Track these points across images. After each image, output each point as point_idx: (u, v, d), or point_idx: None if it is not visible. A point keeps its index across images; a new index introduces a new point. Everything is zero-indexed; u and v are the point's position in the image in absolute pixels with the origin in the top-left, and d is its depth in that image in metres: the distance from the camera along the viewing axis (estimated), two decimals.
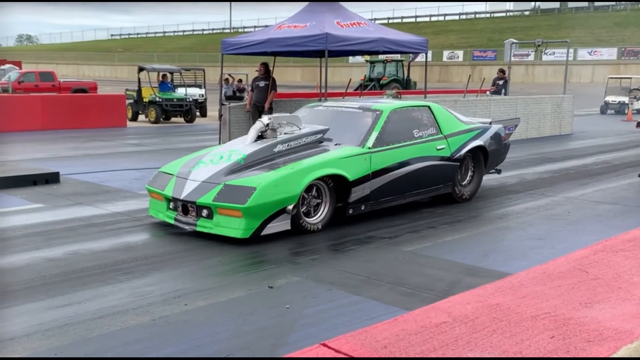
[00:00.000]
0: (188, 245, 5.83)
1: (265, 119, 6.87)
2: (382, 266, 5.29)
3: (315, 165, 6.26)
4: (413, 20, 78.02)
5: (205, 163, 6.48)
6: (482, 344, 2.03)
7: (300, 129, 6.89)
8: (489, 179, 9.06)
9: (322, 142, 6.88)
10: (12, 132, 15.42)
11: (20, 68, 34.23)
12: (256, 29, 62.42)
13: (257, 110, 12.13)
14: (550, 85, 40.34)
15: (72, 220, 6.76)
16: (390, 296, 4.55)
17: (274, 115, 7.26)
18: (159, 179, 6.66)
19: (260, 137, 6.79)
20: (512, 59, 39.86)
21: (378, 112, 7.15)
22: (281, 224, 5.98)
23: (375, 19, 60.98)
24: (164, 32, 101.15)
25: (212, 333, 3.84)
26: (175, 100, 20.02)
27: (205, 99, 22.82)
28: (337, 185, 6.40)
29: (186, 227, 6.15)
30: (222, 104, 13.64)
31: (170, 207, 6.37)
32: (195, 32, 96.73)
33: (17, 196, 7.91)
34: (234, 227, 5.79)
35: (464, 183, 7.96)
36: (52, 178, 8.88)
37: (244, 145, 6.69)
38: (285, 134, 6.79)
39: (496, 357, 1.96)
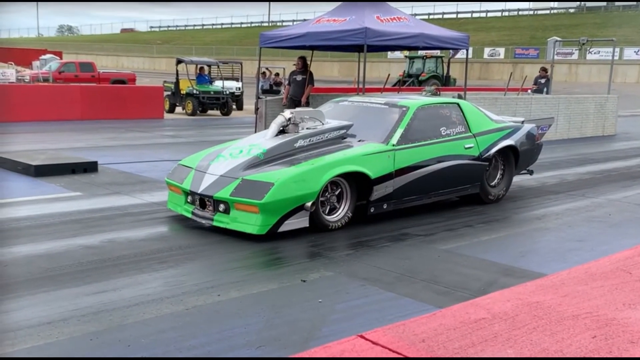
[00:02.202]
0: (222, 236, 5.84)
1: (287, 113, 6.68)
2: (417, 264, 5.23)
3: (336, 162, 6.10)
4: (454, 16, 77.17)
5: (224, 157, 6.37)
6: (521, 341, 1.97)
7: (323, 124, 6.72)
8: (528, 178, 8.90)
9: (345, 138, 6.71)
10: (52, 121, 15.73)
11: (61, 58, 34.83)
12: (294, 22, 62.60)
13: (294, 104, 12.07)
14: (594, 85, 39.51)
15: (109, 209, 6.84)
16: (424, 294, 4.49)
17: (297, 109, 7.05)
18: (178, 171, 6.56)
19: (281, 131, 6.61)
20: (555, 57, 39.21)
21: (404, 109, 6.97)
22: (299, 221, 5.84)
23: (416, 15, 60.48)
24: (203, 25, 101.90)
25: (244, 324, 3.84)
26: (212, 93, 20.19)
27: (242, 92, 22.96)
28: (358, 182, 6.25)
29: (203, 221, 6.07)
30: (259, 98, 13.67)
31: (188, 200, 6.28)
32: (233, 25, 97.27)
33: (56, 184, 8.05)
34: (250, 222, 5.69)
35: (492, 183, 7.73)
36: (90, 167, 9.01)
37: (264, 140, 6.54)
38: (307, 128, 6.61)
39: (536, 355, 1.90)
